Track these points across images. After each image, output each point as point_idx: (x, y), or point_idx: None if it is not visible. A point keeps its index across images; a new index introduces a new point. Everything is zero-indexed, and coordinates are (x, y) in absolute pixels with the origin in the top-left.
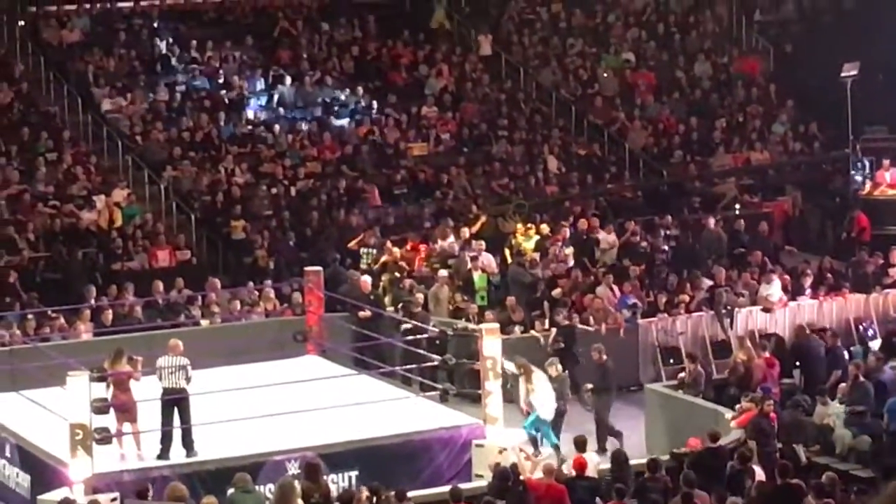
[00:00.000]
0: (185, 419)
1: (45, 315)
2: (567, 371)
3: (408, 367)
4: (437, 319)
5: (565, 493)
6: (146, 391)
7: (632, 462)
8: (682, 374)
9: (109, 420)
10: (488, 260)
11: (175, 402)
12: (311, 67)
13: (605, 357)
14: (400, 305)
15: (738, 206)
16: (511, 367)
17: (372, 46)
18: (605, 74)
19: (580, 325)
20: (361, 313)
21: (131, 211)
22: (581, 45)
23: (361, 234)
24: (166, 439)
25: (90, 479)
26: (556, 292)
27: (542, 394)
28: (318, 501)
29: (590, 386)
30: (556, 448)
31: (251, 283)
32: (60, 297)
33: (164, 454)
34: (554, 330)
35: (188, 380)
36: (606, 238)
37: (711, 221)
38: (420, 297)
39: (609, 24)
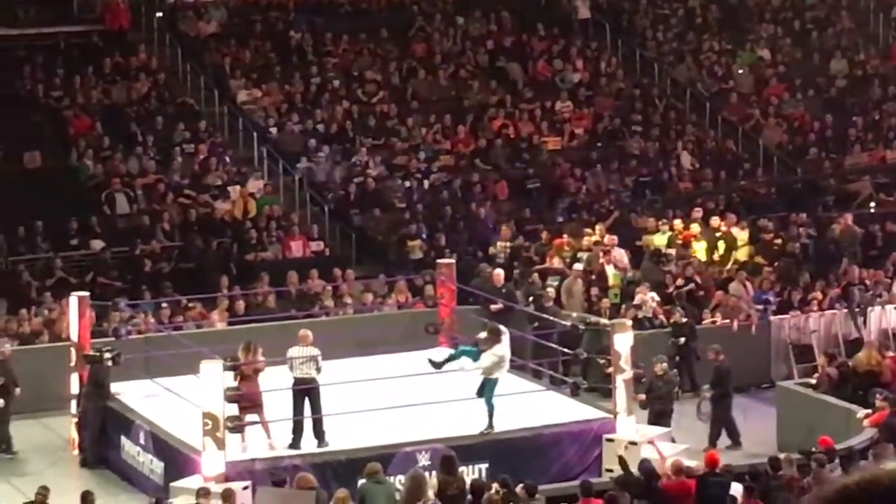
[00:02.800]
0: (315, 409)
1: (180, 304)
2: (684, 368)
3: (539, 360)
4: (570, 314)
5: (693, 489)
6: (276, 381)
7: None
8: (817, 374)
9: (236, 409)
10: (620, 255)
11: (306, 392)
12: (444, 61)
13: (721, 357)
14: (531, 299)
15: (872, 204)
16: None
17: (507, 40)
18: (741, 71)
19: (717, 321)
20: (493, 306)
21: (265, 201)
22: (716, 41)
23: (503, 233)
24: (297, 429)
25: (222, 467)
26: (687, 288)
27: (496, 355)
28: (455, 494)
29: (708, 395)
30: (490, 412)
31: (382, 275)
32: (195, 286)
33: (295, 444)
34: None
35: (319, 370)
36: (740, 234)
37: (847, 218)
38: (551, 291)
39: (745, 20)
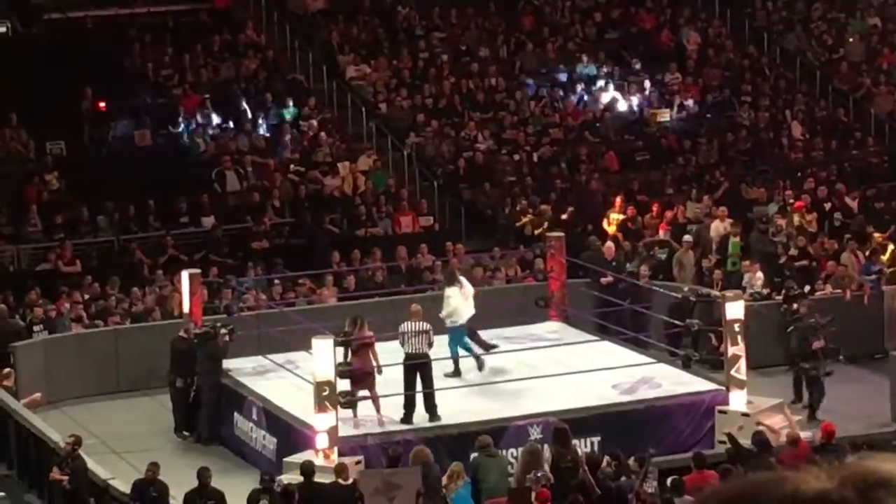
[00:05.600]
0: (427, 384)
1: (291, 280)
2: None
3: (648, 332)
4: (682, 285)
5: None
6: (386, 356)
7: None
8: None
9: (348, 385)
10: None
11: (417, 366)
12: (552, 34)
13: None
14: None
15: None
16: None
17: (615, 12)
18: (851, 39)
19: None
20: (604, 279)
21: (375, 177)
22: (826, 10)
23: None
24: (409, 404)
25: (335, 442)
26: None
27: (455, 301)
28: (569, 466)
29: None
30: (456, 361)
31: (496, 249)
32: (305, 262)
33: (407, 419)
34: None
35: (430, 345)
36: (851, 204)
37: None
38: (644, 268)
39: None
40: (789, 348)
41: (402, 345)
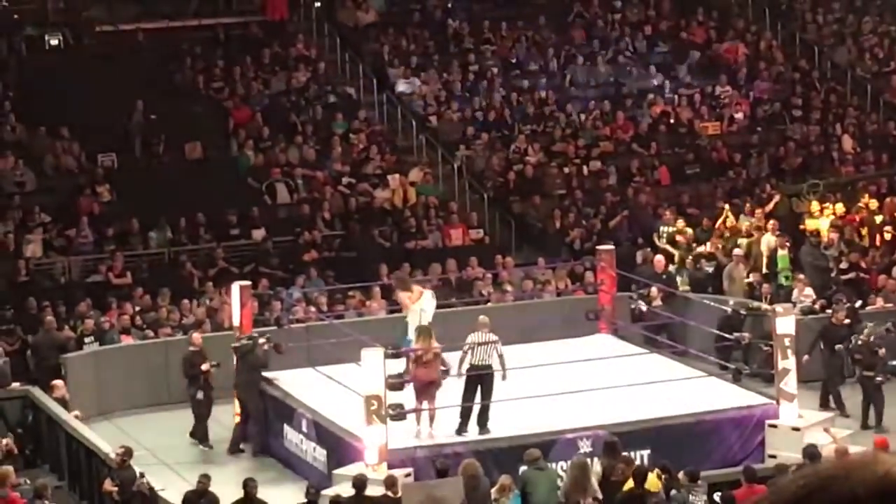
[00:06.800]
0: (486, 396)
1: (341, 292)
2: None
3: (700, 347)
4: (733, 299)
5: None
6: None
7: None
8: None
9: (408, 397)
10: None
11: (481, 378)
12: (603, 47)
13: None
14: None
15: None
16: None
17: (665, 25)
18: None
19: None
20: (653, 290)
21: (425, 190)
22: (877, 23)
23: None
24: (465, 415)
25: (384, 452)
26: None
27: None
28: (619, 479)
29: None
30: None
31: (541, 260)
32: (355, 274)
33: (461, 429)
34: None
35: (500, 357)
36: None
37: None
38: (654, 291)
39: None
40: (853, 361)
41: (468, 355)
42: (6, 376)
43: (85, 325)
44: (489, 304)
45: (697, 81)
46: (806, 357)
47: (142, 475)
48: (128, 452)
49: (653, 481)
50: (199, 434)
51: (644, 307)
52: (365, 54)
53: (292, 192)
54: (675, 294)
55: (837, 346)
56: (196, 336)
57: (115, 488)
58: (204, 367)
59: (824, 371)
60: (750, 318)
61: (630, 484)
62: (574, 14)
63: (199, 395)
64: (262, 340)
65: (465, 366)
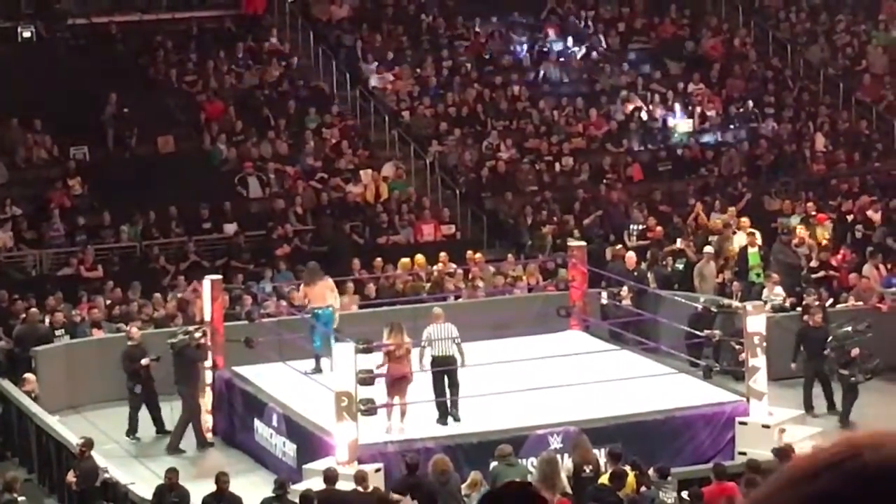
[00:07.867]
0: (453, 386)
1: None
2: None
3: (670, 344)
4: (704, 296)
5: None
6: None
7: None
8: None
9: (378, 392)
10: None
11: (445, 369)
12: (576, 43)
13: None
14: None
15: None
16: None
17: (639, 22)
18: (874, 51)
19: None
20: (623, 290)
21: (397, 185)
22: (850, 22)
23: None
24: (442, 406)
25: (355, 449)
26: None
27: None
28: (590, 476)
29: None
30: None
31: (510, 256)
32: (326, 269)
33: (442, 420)
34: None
35: (457, 343)
36: (873, 217)
37: None
38: (624, 292)
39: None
40: (828, 359)
41: (427, 347)
42: None
43: (55, 319)
44: (460, 300)
45: (670, 79)
46: (793, 365)
47: (105, 469)
48: (88, 444)
49: (631, 482)
50: (132, 425)
51: (615, 303)
52: (338, 49)
53: (265, 187)
54: (646, 291)
55: (826, 352)
56: (135, 330)
57: (74, 479)
58: (143, 361)
59: (804, 373)
60: (721, 316)
61: (605, 479)
62: (548, 10)
63: (138, 388)
64: (198, 335)
65: (427, 359)
